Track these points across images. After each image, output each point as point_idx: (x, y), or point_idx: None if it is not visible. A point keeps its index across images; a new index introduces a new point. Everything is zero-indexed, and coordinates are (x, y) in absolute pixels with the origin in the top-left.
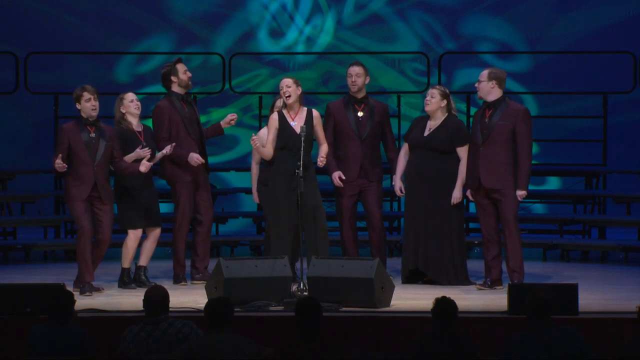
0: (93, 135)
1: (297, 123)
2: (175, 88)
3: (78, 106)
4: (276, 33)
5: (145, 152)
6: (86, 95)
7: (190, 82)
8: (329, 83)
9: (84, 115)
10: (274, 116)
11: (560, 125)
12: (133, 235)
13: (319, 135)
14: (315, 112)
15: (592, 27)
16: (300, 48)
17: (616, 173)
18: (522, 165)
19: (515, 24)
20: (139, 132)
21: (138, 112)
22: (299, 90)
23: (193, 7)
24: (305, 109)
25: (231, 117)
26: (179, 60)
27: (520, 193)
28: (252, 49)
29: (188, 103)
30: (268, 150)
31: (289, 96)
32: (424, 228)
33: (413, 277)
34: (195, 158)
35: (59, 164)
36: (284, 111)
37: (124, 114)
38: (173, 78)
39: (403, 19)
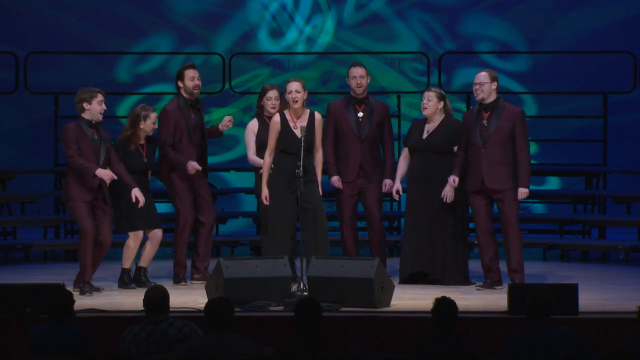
0: (96, 137)
1: (298, 126)
2: (183, 93)
3: (86, 106)
4: (276, 33)
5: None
6: (99, 96)
7: (195, 91)
8: (328, 83)
9: (88, 117)
10: (276, 119)
11: (560, 125)
12: (134, 237)
13: (316, 140)
14: (317, 115)
15: (592, 27)
16: (300, 48)
17: (616, 173)
18: (522, 164)
19: (515, 24)
20: (142, 145)
21: (152, 133)
22: (305, 95)
23: (193, 7)
24: (308, 111)
25: (227, 120)
26: (189, 67)
27: (523, 191)
28: (252, 49)
29: (196, 109)
30: (269, 162)
31: (296, 101)
32: (426, 229)
33: (412, 279)
34: (191, 167)
35: (107, 174)
36: (286, 113)
37: (141, 128)
38: (179, 83)
39: (403, 19)
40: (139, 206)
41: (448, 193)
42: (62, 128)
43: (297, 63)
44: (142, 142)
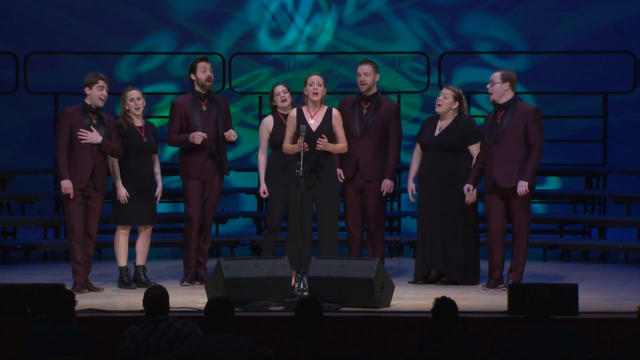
0: (94, 122)
1: (315, 121)
2: (195, 86)
3: (87, 91)
4: (276, 33)
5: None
6: (101, 83)
7: (207, 83)
8: (328, 83)
9: (88, 102)
10: (293, 113)
11: (560, 125)
12: (121, 232)
13: (339, 135)
14: (335, 112)
15: (592, 27)
16: (300, 48)
17: (616, 173)
18: (531, 159)
19: (515, 24)
20: (140, 127)
21: (138, 112)
22: (325, 91)
23: (193, 7)
24: (325, 107)
25: (230, 134)
26: (201, 59)
27: (522, 184)
28: (252, 49)
29: (210, 101)
30: (291, 147)
31: (317, 94)
32: (439, 228)
33: (425, 276)
34: (196, 136)
35: (67, 189)
36: (304, 108)
37: (127, 109)
38: (192, 76)
39: (403, 19)
40: (121, 202)
41: (468, 199)
42: (61, 111)
43: (297, 63)
44: (140, 124)
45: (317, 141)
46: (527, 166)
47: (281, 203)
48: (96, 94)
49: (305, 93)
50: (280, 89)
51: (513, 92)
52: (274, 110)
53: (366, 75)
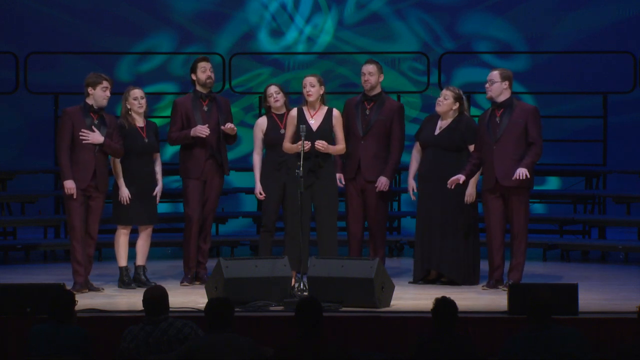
0: (96, 122)
1: (315, 121)
2: (197, 86)
3: (90, 91)
4: (276, 33)
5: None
6: (105, 83)
7: (208, 82)
8: (328, 83)
9: (91, 102)
10: (293, 113)
11: (560, 125)
12: (121, 232)
13: (338, 136)
14: (335, 112)
15: (592, 27)
16: (300, 48)
17: (616, 173)
18: (531, 151)
19: (515, 24)
20: (142, 127)
21: (141, 111)
22: (322, 90)
23: (193, 7)
24: (326, 108)
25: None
26: (201, 59)
27: (521, 170)
28: (252, 49)
29: (211, 101)
30: (291, 147)
31: (310, 95)
32: (438, 227)
33: (423, 277)
34: (199, 128)
35: (70, 189)
36: (304, 108)
37: (129, 108)
38: (193, 76)
39: (403, 19)
40: (123, 202)
41: (470, 198)
42: (62, 111)
43: (297, 63)
44: (142, 124)
45: (317, 144)
46: (526, 158)
47: (275, 203)
48: (100, 94)
49: (303, 94)
50: (273, 89)
51: (510, 90)
52: (267, 111)
53: (370, 75)
